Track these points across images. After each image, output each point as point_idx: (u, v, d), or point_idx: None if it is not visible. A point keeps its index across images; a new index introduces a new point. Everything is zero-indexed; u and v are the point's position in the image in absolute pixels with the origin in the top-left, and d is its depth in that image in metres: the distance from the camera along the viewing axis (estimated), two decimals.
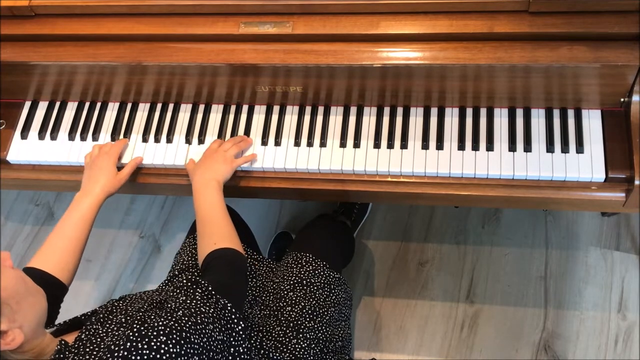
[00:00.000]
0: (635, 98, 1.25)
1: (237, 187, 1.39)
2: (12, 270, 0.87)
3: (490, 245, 1.92)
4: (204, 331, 0.93)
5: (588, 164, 1.28)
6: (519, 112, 1.34)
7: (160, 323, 0.90)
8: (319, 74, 1.32)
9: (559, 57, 1.21)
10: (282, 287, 1.34)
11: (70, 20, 1.35)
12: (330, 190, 1.37)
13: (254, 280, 1.39)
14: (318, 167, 1.36)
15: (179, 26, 1.32)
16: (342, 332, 1.37)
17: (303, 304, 1.30)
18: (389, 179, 1.35)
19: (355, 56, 1.27)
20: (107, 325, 0.96)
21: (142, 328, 0.89)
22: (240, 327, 1.00)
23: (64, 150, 1.45)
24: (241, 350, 0.99)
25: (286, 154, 1.38)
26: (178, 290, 1.03)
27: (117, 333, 0.92)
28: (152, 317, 0.92)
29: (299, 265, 1.37)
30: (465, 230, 1.95)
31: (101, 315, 1.00)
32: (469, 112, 1.36)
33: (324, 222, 1.66)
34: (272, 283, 1.38)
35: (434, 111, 1.37)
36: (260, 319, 1.30)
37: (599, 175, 1.27)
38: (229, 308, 1.01)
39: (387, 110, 1.39)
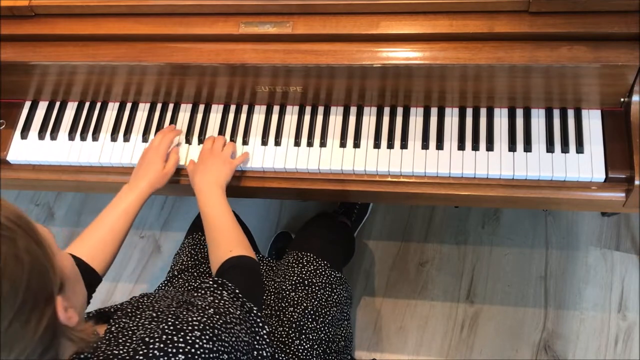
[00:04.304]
0: (635, 98, 1.25)
1: (237, 187, 1.39)
2: (65, 252, 0.87)
3: (490, 245, 1.92)
4: (232, 331, 0.93)
5: (588, 164, 1.28)
6: (519, 112, 1.34)
7: (194, 319, 0.91)
8: (319, 74, 1.32)
9: (559, 57, 1.21)
10: (283, 287, 1.34)
11: (70, 20, 1.35)
12: (330, 190, 1.37)
13: None
14: (318, 167, 1.36)
15: (179, 26, 1.32)
16: (344, 331, 1.37)
17: (305, 305, 1.30)
18: (389, 179, 1.35)
19: (355, 56, 1.27)
20: (137, 320, 0.96)
21: (177, 322, 0.90)
22: (264, 332, 1.00)
23: (64, 150, 1.45)
24: (264, 354, 0.99)
25: (286, 154, 1.38)
26: (203, 291, 1.03)
27: (149, 327, 0.92)
28: (184, 313, 0.93)
29: (300, 265, 1.37)
30: (465, 230, 1.95)
31: (128, 310, 1.00)
32: (469, 112, 1.36)
33: (324, 221, 1.66)
34: (273, 282, 1.38)
35: (434, 111, 1.37)
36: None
37: (599, 175, 1.27)
38: (254, 311, 1.01)
39: (387, 110, 1.39)
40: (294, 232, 1.97)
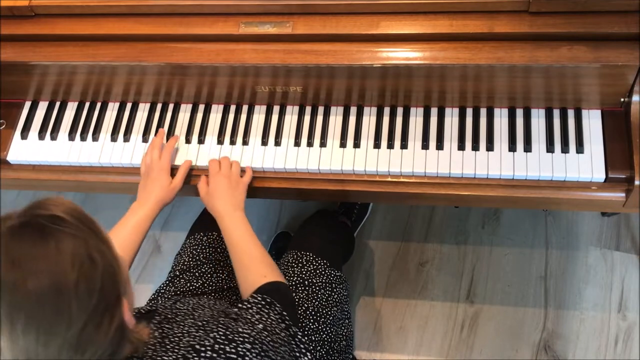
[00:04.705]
0: (635, 98, 1.25)
1: None
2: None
3: (490, 245, 1.92)
4: (278, 350, 0.94)
5: (588, 164, 1.28)
6: (519, 112, 1.34)
7: (245, 331, 0.92)
8: (319, 74, 1.32)
9: (559, 57, 1.21)
10: None
11: (70, 20, 1.35)
12: (330, 190, 1.37)
13: None
14: (318, 167, 1.36)
15: (179, 26, 1.32)
16: (345, 330, 1.37)
17: (306, 306, 1.30)
18: (389, 179, 1.35)
19: (355, 56, 1.27)
20: (181, 327, 0.96)
21: (228, 332, 0.91)
22: (307, 358, 1.01)
23: (64, 150, 1.44)
24: None
25: (286, 154, 1.38)
26: (248, 305, 1.03)
27: (197, 334, 0.92)
28: (233, 323, 0.94)
29: (300, 265, 1.37)
30: (465, 230, 1.95)
31: (169, 316, 1.01)
32: (469, 112, 1.36)
33: (323, 219, 1.66)
34: None
35: (434, 111, 1.37)
36: None
37: (599, 175, 1.27)
38: (298, 337, 1.02)
39: (387, 110, 1.39)
40: (294, 232, 1.97)
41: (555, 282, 1.84)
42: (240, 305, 1.04)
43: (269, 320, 1.00)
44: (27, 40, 1.37)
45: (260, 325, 0.96)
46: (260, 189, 1.39)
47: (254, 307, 1.02)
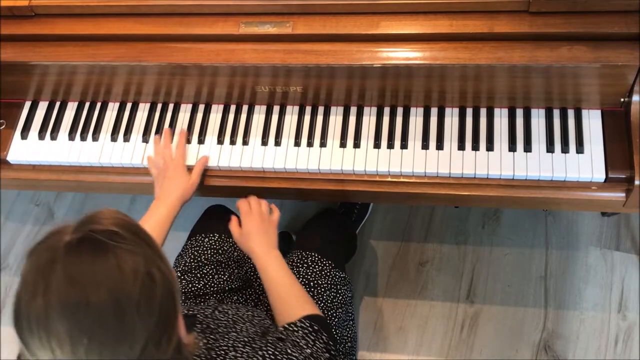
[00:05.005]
0: (635, 98, 1.25)
1: (237, 187, 1.39)
2: None
3: (490, 245, 1.92)
4: None
5: (588, 164, 1.28)
6: (519, 112, 1.34)
7: (293, 354, 0.94)
8: (319, 74, 1.32)
9: (559, 57, 1.21)
10: None
11: (70, 20, 1.35)
12: (330, 190, 1.37)
13: (258, 280, 1.39)
14: (318, 167, 1.36)
15: (179, 26, 1.32)
16: (350, 332, 1.37)
17: None
18: (389, 179, 1.35)
19: (355, 56, 1.27)
20: (226, 340, 0.96)
21: (277, 352, 0.92)
22: None
23: (64, 150, 1.44)
24: None
25: (286, 154, 1.38)
26: (295, 328, 1.04)
27: (244, 350, 0.93)
28: (281, 344, 0.95)
29: (305, 265, 1.37)
30: (465, 230, 1.95)
31: (211, 327, 1.01)
32: (469, 112, 1.36)
33: (328, 219, 1.66)
34: None
35: (434, 111, 1.37)
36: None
37: (599, 175, 1.27)
38: None
39: (387, 110, 1.39)
40: (294, 232, 1.97)
41: (555, 282, 1.84)
42: (286, 326, 1.04)
43: (315, 347, 1.01)
44: (27, 40, 1.37)
45: (308, 350, 0.97)
46: (260, 189, 1.39)
47: (300, 332, 1.03)
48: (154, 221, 1.25)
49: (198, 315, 1.05)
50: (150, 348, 0.70)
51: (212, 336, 0.97)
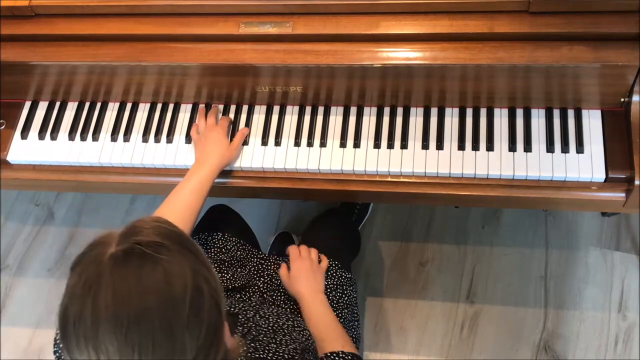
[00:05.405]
0: (635, 98, 1.25)
1: (237, 187, 1.40)
2: None
3: (490, 246, 1.92)
4: None
5: (588, 164, 1.28)
6: (519, 112, 1.34)
7: None
8: (319, 74, 1.33)
9: (559, 57, 1.21)
10: None
11: (70, 20, 1.35)
12: (331, 190, 1.37)
13: (262, 279, 1.38)
14: (318, 167, 1.36)
15: (179, 26, 1.32)
16: (355, 332, 1.38)
17: None
18: (389, 179, 1.35)
19: (355, 56, 1.27)
20: (267, 352, 0.98)
21: None
22: None
23: (64, 150, 1.44)
24: None
25: (286, 154, 1.38)
26: (337, 357, 1.06)
27: None
28: None
29: None
30: (465, 230, 1.95)
31: (254, 333, 1.02)
32: (469, 112, 1.36)
33: (333, 220, 1.66)
34: (281, 281, 1.38)
35: (434, 111, 1.37)
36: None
37: (599, 175, 1.27)
38: None
39: (387, 110, 1.39)
40: (294, 232, 1.97)
41: (555, 282, 1.84)
42: (327, 354, 1.06)
43: None
44: (27, 40, 1.37)
45: None
46: (260, 189, 1.39)
47: (337, 358, 1.06)
48: (192, 185, 1.25)
49: (240, 316, 1.05)
50: None
51: (252, 344, 0.97)
